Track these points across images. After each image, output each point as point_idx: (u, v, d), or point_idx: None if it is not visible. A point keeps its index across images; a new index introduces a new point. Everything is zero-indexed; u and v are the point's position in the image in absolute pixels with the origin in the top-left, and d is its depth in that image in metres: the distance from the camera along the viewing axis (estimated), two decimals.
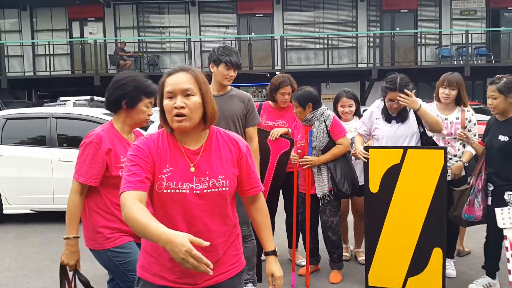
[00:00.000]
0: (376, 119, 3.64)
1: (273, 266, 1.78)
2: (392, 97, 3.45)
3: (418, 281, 3.36)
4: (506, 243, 3.07)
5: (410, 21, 16.83)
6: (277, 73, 14.59)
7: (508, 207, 3.14)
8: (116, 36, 16.75)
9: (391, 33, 16.56)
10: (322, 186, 3.57)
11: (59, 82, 15.54)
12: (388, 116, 3.58)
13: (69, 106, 10.48)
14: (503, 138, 3.21)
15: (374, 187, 3.41)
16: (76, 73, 16.29)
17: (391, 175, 3.37)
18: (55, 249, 4.68)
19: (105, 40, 16.30)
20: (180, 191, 1.59)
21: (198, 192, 1.60)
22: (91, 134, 2.24)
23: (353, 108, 4.13)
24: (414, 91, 3.48)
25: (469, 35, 15.06)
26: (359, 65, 16.20)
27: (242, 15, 16.85)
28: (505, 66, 15.24)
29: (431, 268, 3.33)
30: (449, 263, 3.79)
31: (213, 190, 1.63)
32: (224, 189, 1.64)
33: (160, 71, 16.15)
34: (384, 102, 3.59)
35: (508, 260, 3.07)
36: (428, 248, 3.35)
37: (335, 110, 4.18)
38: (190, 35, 16.34)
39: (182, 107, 1.57)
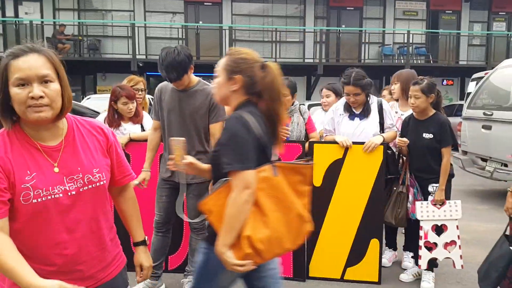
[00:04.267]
0: (339, 115, 3.62)
1: (141, 256, 1.72)
2: (347, 91, 3.49)
3: (356, 271, 3.47)
4: (421, 232, 3.36)
5: (355, 19, 17.29)
6: None
7: (427, 201, 3.36)
8: (54, 17, 15.79)
9: (337, 29, 16.94)
10: None
11: None
12: (351, 113, 3.57)
13: None
14: (427, 135, 3.38)
15: (317, 181, 3.45)
16: None
17: (334, 170, 3.44)
18: None
19: (42, 22, 15.33)
20: (53, 196, 1.39)
21: (74, 193, 1.43)
22: None
23: (330, 99, 4.30)
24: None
25: (411, 35, 15.73)
26: (306, 60, 16.45)
27: (190, 3, 16.48)
28: (443, 67, 16.12)
29: (369, 258, 3.46)
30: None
31: (90, 186, 1.47)
32: (101, 183, 1.50)
33: (100, 56, 15.48)
34: None
35: (420, 247, 3.35)
36: (366, 239, 3.46)
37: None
38: (134, 20, 15.77)
39: (41, 97, 1.34)
